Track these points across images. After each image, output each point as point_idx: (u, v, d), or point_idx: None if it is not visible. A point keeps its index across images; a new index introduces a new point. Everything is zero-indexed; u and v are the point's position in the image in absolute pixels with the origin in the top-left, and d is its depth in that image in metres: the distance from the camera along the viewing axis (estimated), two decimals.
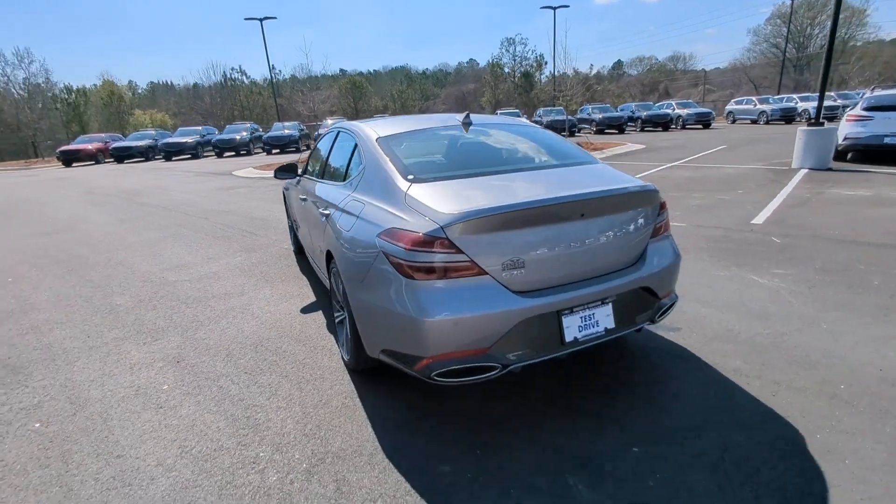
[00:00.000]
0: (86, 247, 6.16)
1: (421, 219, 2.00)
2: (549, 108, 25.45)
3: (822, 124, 9.09)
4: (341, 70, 65.46)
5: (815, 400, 2.26)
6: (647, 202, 2.30)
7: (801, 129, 9.27)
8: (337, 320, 2.92)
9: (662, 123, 24.62)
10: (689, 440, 2.04)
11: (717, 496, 1.74)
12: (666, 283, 2.38)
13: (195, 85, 54.24)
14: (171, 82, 64.33)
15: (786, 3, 42.28)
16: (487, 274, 1.95)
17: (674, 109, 25.90)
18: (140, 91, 62.64)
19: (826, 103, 22.78)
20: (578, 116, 25.78)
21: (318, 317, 3.53)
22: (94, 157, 23.86)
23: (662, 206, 2.42)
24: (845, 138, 9.33)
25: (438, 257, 1.91)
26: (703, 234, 5.11)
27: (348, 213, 2.52)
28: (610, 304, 2.16)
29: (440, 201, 2.05)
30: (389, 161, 2.49)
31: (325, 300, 3.81)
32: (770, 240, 4.77)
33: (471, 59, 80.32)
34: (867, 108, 9.20)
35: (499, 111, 29.27)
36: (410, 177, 2.32)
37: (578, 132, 24.60)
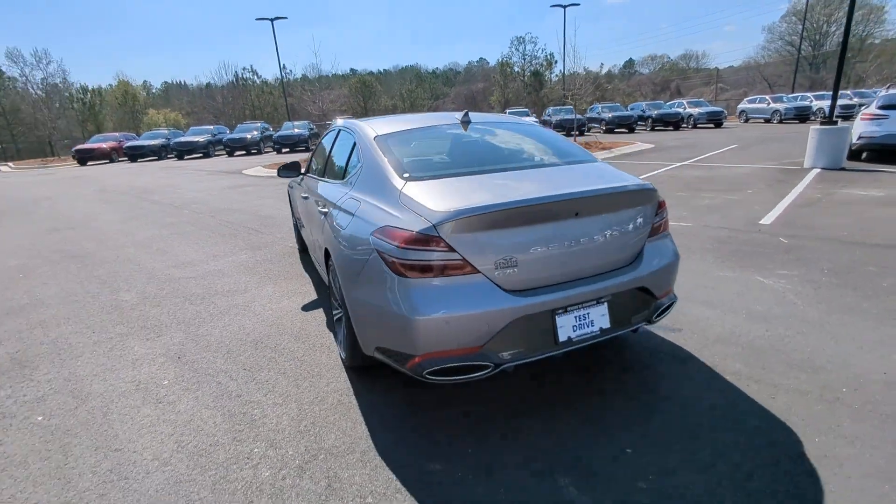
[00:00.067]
0: (96, 243, 6.27)
1: (414, 217, 2.00)
2: (559, 108, 25.27)
3: (836, 123, 8.92)
4: (352, 69, 65.77)
5: (815, 404, 2.22)
6: (644, 201, 2.28)
7: (813, 128, 9.11)
8: (335, 318, 2.94)
9: (673, 122, 24.33)
10: (682, 443, 2.01)
11: (707, 500, 1.72)
12: (664, 284, 2.35)
13: (208, 84, 54.89)
14: (185, 82, 65.16)
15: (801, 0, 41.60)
16: (480, 272, 1.94)
17: (685, 108, 25.60)
18: (154, 91, 63.51)
19: (842, 102, 22.47)
20: (588, 115, 25.59)
21: (319, 314, 3.55)
22: (109, 156, 24.24)
23: (661, 205, 2.40)
24: (860, 137, 9.15)
25: (430, 255, 1.91)
26: (710, 234, 5.05)
27: (345, 211, 2.53)
28: (605, 304, 2.14)
29: (434, 199, 2.05)
30: (386, 159, 2.50)
31: (326, 298, 3.83)
32: (777, 240, 4.69)
33: (481, 57, 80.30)
34: (882, 107, 9.01)
35: (507, 110, 29.19)
36: (406, 175, 2.32)
37: (588, 131, 24.44)
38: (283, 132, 23.48)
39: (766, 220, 5.51)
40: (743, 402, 2.26)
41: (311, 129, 24.12)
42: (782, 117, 24.44)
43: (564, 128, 22.38)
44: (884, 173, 8.04)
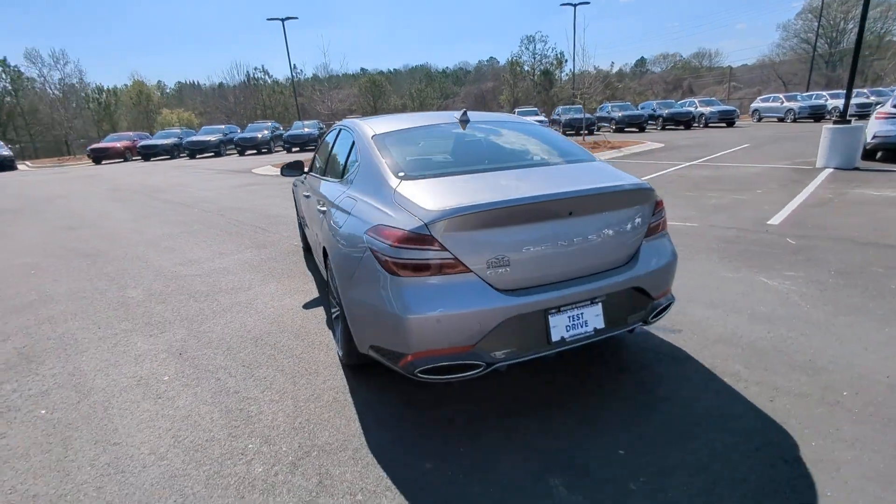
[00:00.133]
0: (106, 241, 6.37)
1: (407, 216, 2.01)
2: (568, 107, 25.12)
3: (849, 122, 8.75)
4: (362, 69, 66.05)
5: (815, 407, 2.18)
6: (640, 201, 2.25)
7: (826, 127, 8.94)
8: (333, 316, 2.96)
9: (684, 122, 24.05)
10: (677, 445, 1.99)
11: (703, 502, 1.70)
12: (660, 284, 2.33)
13: (220, 84, 55.52)
14: (198, 82, 66.01)
15: None
16: (472, 272, 1.94)
17: (696, 107, 25.28)
18: (168, 91, 64.40)
19: (858, 100, 22.06)
20: (598, 115, 25.38)
21: (319, 312, 3.57)
22: (123, 155, 24.60)
23: (658, 204, 2.37)
24: (874, 136, 8.96)
25: (422, 254, 1.91)
26: (716, 234, 4.99)
27: (342, 209, 2.54)
28: (600, 304, 2.13)
29: (427, 198, 2.05)
30: (383, 158, 2.51)
31: (327, 296, 3.85)
32: (785, 241, 4.62)
33: (491, 57, 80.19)
34: None
35: (516, 109, 29.08)
36: (401, 174, 2.33)
37: (597, 130, 24.25)
38: (293, 131, 23.67)
39: (775, 220, 5.42)
40: (741, 404, 2.23)
41: (321, 128, 24.28)
42: (796, 116, 24.03)
43: (574, 127, 22.23)
44: None
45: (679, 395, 2.33)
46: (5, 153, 22.87)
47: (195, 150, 23.81)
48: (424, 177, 2.30)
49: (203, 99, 57.95)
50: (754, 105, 27.75)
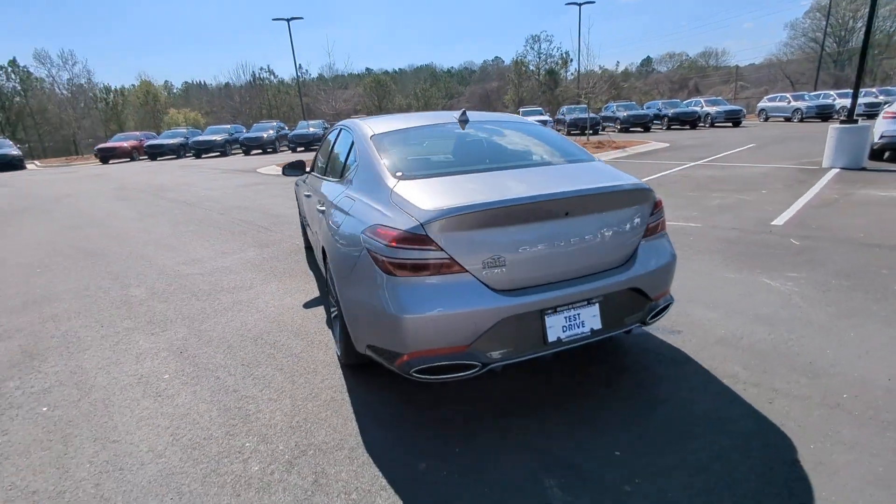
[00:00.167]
0: (111, 240, 6.42)
1: (403, 216, 2.01)
2: (573, 106, 25.05)
3: (856, 121, 8.67)
4: (367, 69, 66.08)
5: (814, 409, 2.17)
6: (638, 201, 2.24)
7: (832, 127, 8.86)
8: (332, 315, 2.96)
9: (690, 121, 23.90)
10: (673, 447, 1.98)
11: (701, 503, 1.69)
12: (659, 285, 2.32)
13: (227, 84, 55.76)
14: (204, 82, 66.28)
15: None
16: (467, 272, 1.94)
17: (702, 107, 25.11)
18: (175, 91, 64.77)
19: (867, 100, 21.81)
20: (602, 114, 25.30)
21: (319, 312, 3.58)
22: (130, 155, 24.79)
23: (657, 204, 2.36)
24: (881, 136, 8.87)
25: (418, 254, 1.91)
26: (719, 235, 4.96)
27: (340, 209, 2.55)
28: (596, 305, 2.12)
29: (423, 198, 2.05)
30: (381, 158, 2.51)
31: (327, 295, 3.86)
32: (789, 242, 4.58)
33: (496, 56, 79.95)
34: None
35: (520, 109, 29.02)
36: (399, 174, 2.33)
37: (602, 130, 24.17)
38: (298, 131, 23.77)
39: (779, 220, 5.38)
40: (739, 406, 2.22)
41: (326, 128, 24.35)
42: (803, 116, 23.81)
43: (578, 126, 22.17)
44: None
45: (678, 396, 2.32)
46: (14, 153, 23.08)
47: (201, 150, 23.95)
48: (422, 177, 2.31)
49: (209, 99, 58.21)
50: (761, 104, 27.53)
